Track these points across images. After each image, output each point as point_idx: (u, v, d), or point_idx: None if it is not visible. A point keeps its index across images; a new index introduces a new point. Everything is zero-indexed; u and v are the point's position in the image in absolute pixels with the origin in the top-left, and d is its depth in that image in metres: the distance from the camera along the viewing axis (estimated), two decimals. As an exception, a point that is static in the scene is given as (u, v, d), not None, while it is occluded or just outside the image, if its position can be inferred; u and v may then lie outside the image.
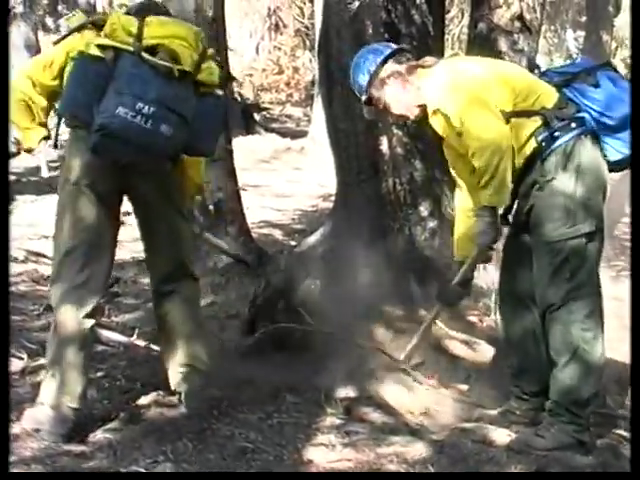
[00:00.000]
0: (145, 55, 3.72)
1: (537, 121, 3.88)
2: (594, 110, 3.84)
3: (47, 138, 4.12)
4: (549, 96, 3.90)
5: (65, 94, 3.86)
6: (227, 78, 4.16)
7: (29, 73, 3.99)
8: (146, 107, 3.58)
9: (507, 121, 3.87)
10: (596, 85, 3.88)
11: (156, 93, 3.63)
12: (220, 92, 4.04)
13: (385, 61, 4.14)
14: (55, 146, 4.10)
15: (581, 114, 3.87)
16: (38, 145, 4.13)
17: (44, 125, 4.10)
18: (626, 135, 3.82)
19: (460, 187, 4.23)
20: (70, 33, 3.94)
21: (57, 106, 3.99)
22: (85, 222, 3.83)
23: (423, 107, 4.06)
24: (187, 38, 3.89)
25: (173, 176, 4.03)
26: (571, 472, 3.72)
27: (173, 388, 4.19)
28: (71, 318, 3.82)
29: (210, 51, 4.02)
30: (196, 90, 3.86)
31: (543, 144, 3.86)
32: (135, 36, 3.77)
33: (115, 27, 3.81)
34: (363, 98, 4.22)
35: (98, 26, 3.90)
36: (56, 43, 4.00)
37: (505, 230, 4.17)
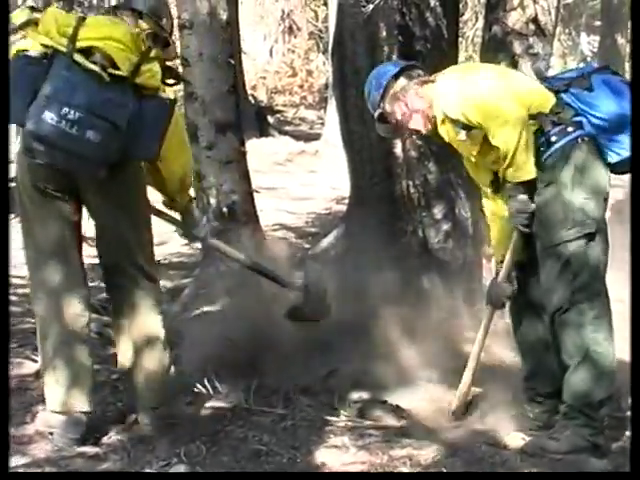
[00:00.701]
0: (77, 58, 3.60)
1: (534, 125, 3.87)
2: (590, 114, 3.84)
3: None
4: (546, 101, 3.90)
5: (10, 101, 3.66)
6: (176, 77, 4.00)
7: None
8: (72, 112, 3.47)
9: None
10: (590, 89, 3.88)
11: (84, 98, 3.52)
12: (166, 95, 3.87)
13: (397, 76, 4.16)
14: None
15: (578, 118, 3.87)
16: None
17: None
18: (624, 137, 3.81)
19: (485, 193, 4.20)
20: (14, 30, 3.77)
21: None
22: (43, 221, 3.78)
23: (434, 120, 4.06)
24: (123, 40, 3.72)
25: (123, 179, 3.83)
26: (571, 472, 3.72)
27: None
28: (66, 315, 3.81)
29: (154, 52, 3.83)
30: (136, 93, 3.70)
31: (541, 149, 3.86)
32: (69, 37, 3.64)
33: (49, 27, 3.68)
34: (376, 114, 4.22)
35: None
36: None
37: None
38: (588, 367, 3.83)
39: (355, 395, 4.57)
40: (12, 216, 8.70)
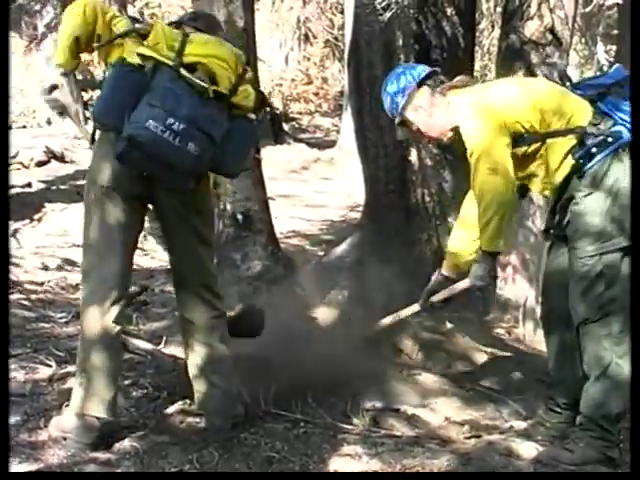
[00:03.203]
0: (183, 72, 3.71)
1: (573, 139, 3.83)
2: (629, 123, 3.78)
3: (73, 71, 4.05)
4: (583, 112, 3.85)
5: (101, 99, 3.81)
6: (263, 101, 4.09)
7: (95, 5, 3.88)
8: (177, 123, 3.56)
9: (543, 142, 3.86)
10: (628, 97, 3.84)
11: (188, 111, 3.61)
12: (253, 116, 4.00)
13: (420, 84, 4.11)
14: (92, 142, 4.03)
15: (617, 128, 3.81)
16: (70, 69, 4.01)
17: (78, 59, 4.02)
18: None
19: (466, 206, 4.25)
20: (113, 39, 3.87)
21: (92, 109, 3.95)
22: (110, 224, 3.81)
23: (456, 129, 4.03)
24: (227, 60, 3.89)
25: (197, 194, 3.97)
26: (572, 472, 3.71)
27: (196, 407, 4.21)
28: (97, 323, 3.82)
29: (249, 75, 4.01)
30: (230, 112, 3.85)
31: (580, 161, 3.80)
32: (176, 51, 3.76)
33: (158, 41, 3.80)
34: (397, 121, 4.19)
35: (141, 35, 3.86)
36: (98, 47, 3.94)
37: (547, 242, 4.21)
38: (608, 380, 3.81)
39: (368, 403, 4.56)
40: (25, 222, 8.82)
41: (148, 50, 3.75)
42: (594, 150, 3.78)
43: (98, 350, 3.83)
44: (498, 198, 3.78)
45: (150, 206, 4.01)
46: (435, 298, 4.38)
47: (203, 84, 3.71)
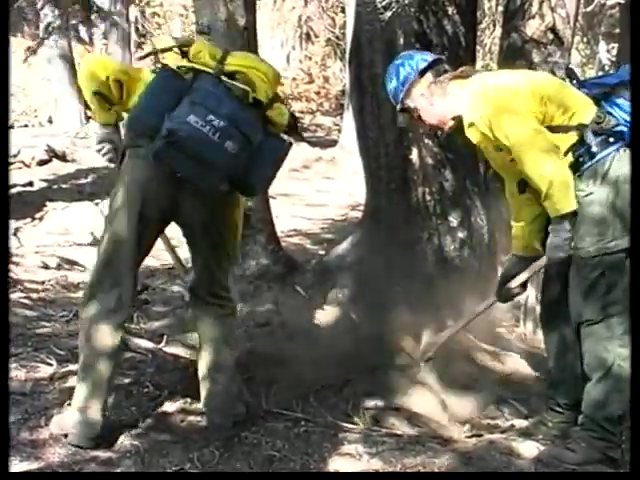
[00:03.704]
0: (223, 78, 3.77)
1: (574, 136, 3.81)
2: (630, 122, 3.75)
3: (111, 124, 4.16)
4: (587, 110, 3.83)
5: (141, 101, 3.83)
6: (295, 124, 4.14)
7: (107, 64, 4.00)
8: (217, 120, 3.59)
9: None
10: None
11: (228, 110, 3.65)
12: (286, 137, 4.03)
13: (423, 72, 4.09)
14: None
15: (620, 127, 3.79)
16: (112, 124, 4.14)
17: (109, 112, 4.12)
18: None
19: (510, 190, 4.12)
20: (155, 53, 3.97)
21: (127, 116, 3.96)
22: (128, 241, 3.82)
23: (458, 118, 4.02)
24: (267, 73, 3.93)
25: (227, 208, 4.01)
26: (572, 472, 3.71)
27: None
28: (104, 331, 3.83)
29: (282, 95, 4.00)
30: (265, 127, 3.87)
31: (580, 159, 3.79)
32: (218, 60, 3.83)
33: (201, 49, 3.89)
34: (398, 107, 4.18)
35: (182, 51, 3.94)
36: (141, 58, 4.02)
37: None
38: (611, 381, 3.80)
39: (369, 402, 4.56)
40: (26, 221, 8.83)
41: (187, 62, 3.84)
42: (595, 149, 3.76)
43: (103, 356, 3.85)
44: (550, 160, 3.69)
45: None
46: (513, 283, 4.16)
47: (243, 87, 3.77)
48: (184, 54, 3.92)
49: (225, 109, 3.64)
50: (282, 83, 4.14)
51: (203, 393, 4.17)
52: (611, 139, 3.76)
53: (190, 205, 3.86)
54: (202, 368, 4.17)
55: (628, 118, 3.76)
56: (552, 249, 3.83)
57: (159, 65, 3.91)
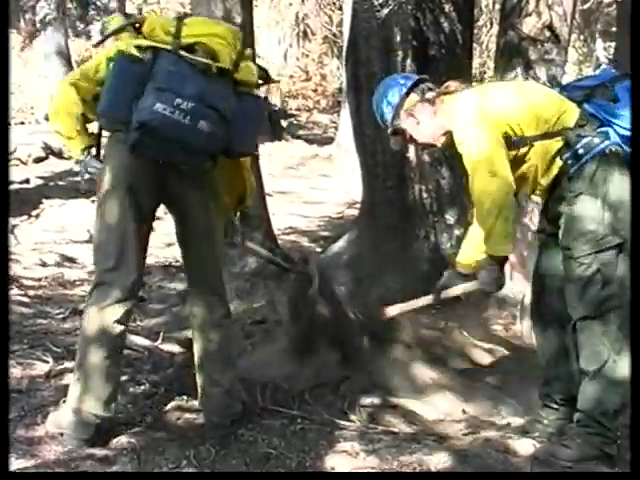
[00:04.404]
0: (183, 53, 3.70)
1: (560, 141, 3.86)
2: (616, 124, 3.81)
3: (91, 147, 4.05)
4: (570, 114, 3.88)
5: (104, 94, 3.77)
6: (267, 76, 4.08)
7: (74, 80, 3.95)
8: (185, 103, 3.54)
9: (531, 145, 3.88)
10: (615, 99, 3.86)
11: (195, 89, 3.59)
12: (259, 93, 4.00)
13: (408, 93, 4.13)
14: (97, 155, 4.03)
15: (604, 129, 3.84)
16: (82, 154, 4.04)
17: (88, 134, 4.05)
18: None
19: None
20: (108, 36, 3.91)
21: (97, 108, 3.86)
22: (119, 225, 3.78)
23: (449, 134, 4.04)
24: (226, 37, 3.86)
25: (213, 183, 3.98)
26: (572, 472, 3.71)
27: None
28: (99, 321, 3.79)
29: (248, 51, 3.98)
30: (235, 89, 3.82)
31: (568, 162, 3.84)
32: (173, 35, 3.75)
33: (154, 26, 3.81)
34: (389, 131, 4.22)
35: (136, 28, 3.87)
36: (96, 45, 3.97)
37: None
38: (606, 377, 3.81)
39: (366, 400, 4.56)
40: (23, 218, 8.83)
41: (144, 40, 3.75)
42: (581, 151, 3.81)
43: (97, 348, 3.81)
44: (498, 202, 3.75)
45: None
46: (445, 294, 4.34)
47: (205, 61, 3.71)
48: (139, 32, 3.85)
49: (191, 88, 3.58)
50: (240, 40, 4.04)
51: (200, 392, 4.14)
52: (596, 140, 3.80)
53: (178, 185, 3.85)
54: (199, 366, 4.14)
55: (611, 119, 3.83)
56: (483, 283, 4.07)
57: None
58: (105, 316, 3.79)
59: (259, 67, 4.05)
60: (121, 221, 3.78)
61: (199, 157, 3.69)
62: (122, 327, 3.86)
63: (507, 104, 3.91)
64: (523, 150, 3.89)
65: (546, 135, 3.87)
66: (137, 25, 3.87)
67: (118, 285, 3.81)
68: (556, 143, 3.86)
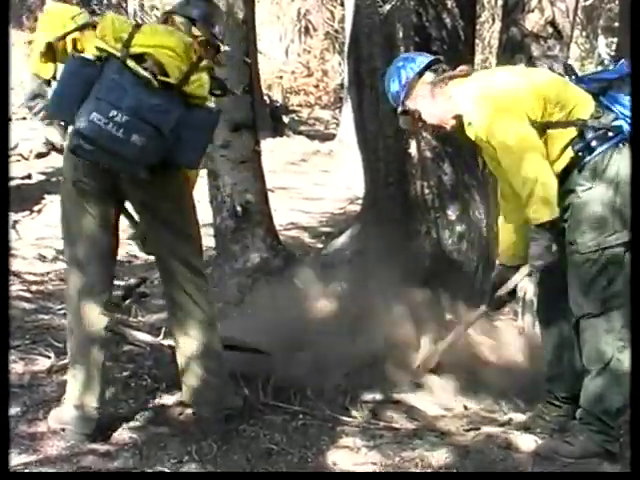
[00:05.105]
0: (129, 62, 3.65)
1: (573, 131, 3.80)
2: (631, 118, 3.75)
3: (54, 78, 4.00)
4: (585, 105, 3.84)
5: (54, 93, 3.80)
6: (224, 89, 4.06)
7: (72, 15, 3.91)
8: (119, 115, 3.51)
9: (543, 132, 3.80)
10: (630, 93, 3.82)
11: (132, 102, 3.55)
12: (212, 105, 3.96)
13: (422, 73, 4.08)
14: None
15: (618, 122, 3.79)
16: (50, 78, 3.99)
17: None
18: None
19: (502, 192, 4.14)
20: (72, 31, 3.85)
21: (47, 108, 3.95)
22: (82, 221, 3.82)
23: (458, 117, 4.00)
24: (175, 49, 3.79)
25: (167, 186, 3.92)
26: (572, 472, 3.71)
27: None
28: (83, 315, 3.84)
29: (204, 63, 3.88)
30: (184, 101, 3.75)
31: (580, 154, 3.78)
32: (123, 43, 3.70)
33: (105, 32, 3.76)
34: (399, 109, 4.15)
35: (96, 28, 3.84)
36: (60, 39, 3.91)
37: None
38: (609, 374, 3.81)
39: (367, 396, 4.56)
40: (25, 214, 8.82)
41: (102, 43, 3.71)
42: (594, 143, 3.76)
43: (91, 344, 3.86)
44: (534, 167, 3.67)
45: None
46: (502, 291, 4.24)
47: (147, 74, 3.63)
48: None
49: (128, 102, 3.54)
50: (201, 54, 4.00)
51: (185, 388, 4.13)
52: (610, 134, 3.76)
53: (127, 183, 3.83)
54: (185, 362, 4.11)
55: (627, 112, 3.77)
56: (533, 258, 3.88)
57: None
58: (87, 310, 3.85)
59: (215, 79, 3.99)
60: (82, 218, 3.84)
61: (133, 167, 3.65)
62: (106, 319, 3.92)
63: (511, 84, 3.85)
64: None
65: (559, 123, 3.81)
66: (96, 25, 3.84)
67: (91, 279, 3.88)
68: (569, 133, 3.80)
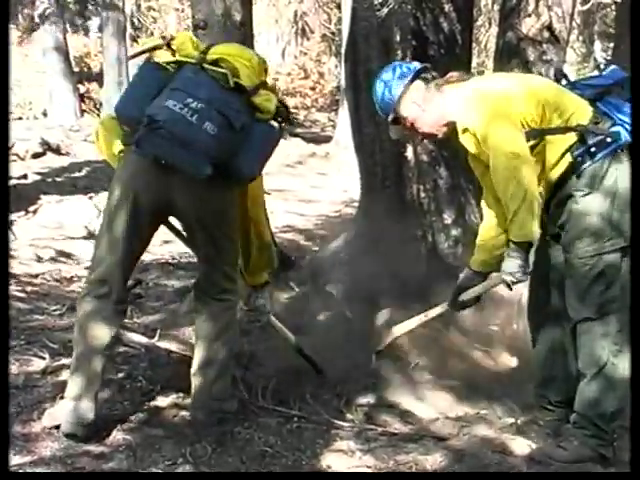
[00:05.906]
0: (205, 65, 3.78)
1: (573, 137, 3.80)
2: (628, 124, 3.76)
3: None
4: (584, 111, 3.84)
5: (123, 94, 3.92)
6: (286, 113, 4.09)
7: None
8: (195, 103, 3.60)
9: (541, 138, 3.81)
10: (629, 100, 3.82)
11: (207, 94, 3.66)
12: (275, 124, 3.99)
13: (411, 81, 4.06)
14: None
15: (616, 128, 3.79)
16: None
17: None
18: None
19: (487, 202, 4.14)
20: (143, 52, 3.97)
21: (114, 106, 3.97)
22: (121, 235, 3.82)
23: (451, 124, 3.99)
24: (251, 61, 3.92)
25: (220, 199, 3.93)
26: (572, 472, 3.72)
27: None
28: (99, 326, 3.85)
29: (271, 83, 4.02)
30: (251, 111, 3.83)
31: (579, 159, 3.78)
32: (201, 51, 3.87)
33: (183, 40, 3.90)
34: (390, 118, 4.14)
35: (171, 49, 3.93)
36: (132, 57, 4.02)
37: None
38: (604, 379, 3.82)
39: (362, 399, 4.56)
40: (20, 214, 8.82)
41: (171, 57, 3.85)
42: (593, 149, 3.76)
43: (93, 348, 3.86)
44: (524, 184, 3.63)
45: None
46: (465, 296, 4.27)
47: (224, 71, 3.76)
48: (174, 51, 3.92)
49: (203, 93, 3.66)
50: (268, 72, 4.12)
51: (192, 390, 4.15)
52: (608, 139, 3.77)
53: (183, 198, 3.84)
54: (194, 364, 4.15)
55: (625, 119, 3.77)
56: (505, 273, 3.85)
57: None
58: (98, 318, 3.86)
59: (281, 103, 4.06)
60: (121, 231, 3.83)
61: (199, 159, 3.65)
62: (115, 327, 3.95)
63: (508, 90, 3.83)
64: (532, 143, 3.79)
65: (558, 129, 3.81)
66: (170, 44, 3.93)
67: (107, 292, 3.88)
68: (569, 139, 3.80)
